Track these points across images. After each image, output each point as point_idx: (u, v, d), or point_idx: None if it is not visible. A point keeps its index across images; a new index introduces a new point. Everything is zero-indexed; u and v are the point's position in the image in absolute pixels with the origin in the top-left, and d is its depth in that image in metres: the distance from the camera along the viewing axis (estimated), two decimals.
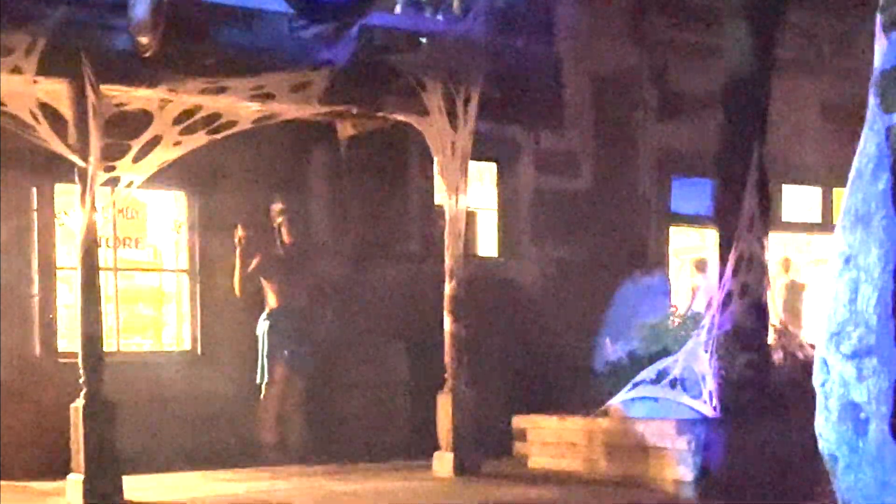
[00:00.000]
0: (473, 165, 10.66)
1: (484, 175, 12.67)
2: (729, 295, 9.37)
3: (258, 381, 10.96)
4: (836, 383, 2.86)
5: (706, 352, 9.28)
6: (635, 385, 9.66)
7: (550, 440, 10.23)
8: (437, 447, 10.09)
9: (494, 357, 11.94)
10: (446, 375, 10.10)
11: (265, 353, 10.97)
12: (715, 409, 9.11)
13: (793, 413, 8.82)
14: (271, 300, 11.11)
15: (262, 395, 10.97)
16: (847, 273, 2.84)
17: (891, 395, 2.76)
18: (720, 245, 9.78)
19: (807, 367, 3.01)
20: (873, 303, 2.79)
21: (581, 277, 12.74)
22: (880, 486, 2.76)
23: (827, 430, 2.87)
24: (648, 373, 9.62)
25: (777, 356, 9.64)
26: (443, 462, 10.01)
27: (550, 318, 12.44)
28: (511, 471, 10.15)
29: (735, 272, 9.38)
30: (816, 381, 2.91)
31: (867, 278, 2.80)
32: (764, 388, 9.30)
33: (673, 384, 9.37)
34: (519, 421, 10.59)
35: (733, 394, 9.10)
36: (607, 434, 9.70)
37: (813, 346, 3.00)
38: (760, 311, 9.57)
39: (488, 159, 12.35)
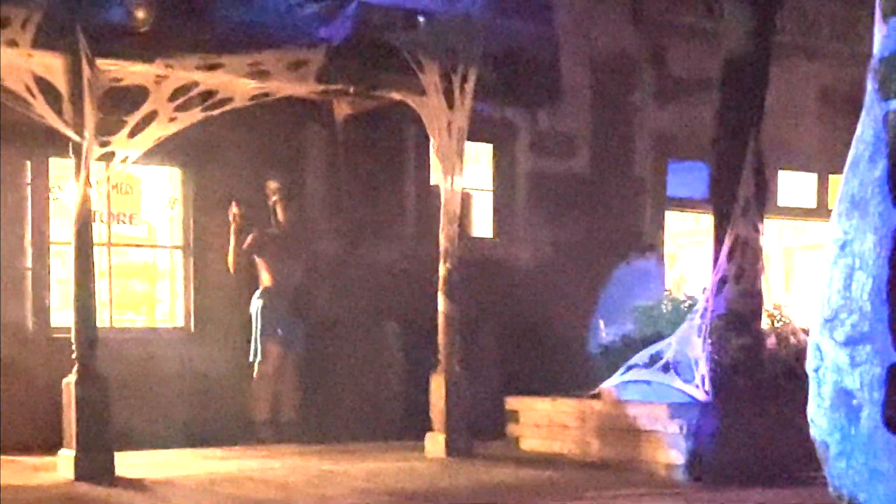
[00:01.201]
0: (470, 146, 10.63)
1: (480, 156, 12.64)
2: (723, 279, 9.37)
3: (251, 359, 10.95)
4: (830, 370, 2.85)
5: (699, 336, 9.28)
6: (628, 368, 9.66)
7: (543, 422, 10.24)
8: (429, 428, 10.10)
9: (488, 338, 11.94)
10: (439, 356, 10.10)
11: (258, 332, 10.96)
12: (707, 393, 9.11)
13: (785, 399, 8.83)
14: (265, 278, 11.10)
15: (254, 374, 10.97)
16: (842, 259, 2.83)
17: (883, 383, 2.75)
18: (715, 229, 9.76)
19: (800, 352, 3.01)
20: (868, 289, 2.77)
21: (576, 260, 12.74)
22: (871, 472, 2.75)
23: (819, 416, 2.86)
24: (641, 356, 9.62)
25: (770, 341, 9.64)
26: (435, 443, 10.02)
27: (544, 299, 12.44)
28: (503, 452, 10.15)
29: (730, 257, 9.38)
30: (810, 367, 2.90)
31: (862, 265, 2.79)
32: (757, 374, 9.30)
33: (666, 368, 9.37)
34: (511, 402, 10.59)
35: (726, 378, 9.10)
36: (600, 417, 9.70)
37: (807, 332, 2.99)
38: (755, 295, 9.57)
39: (485, 140, 12.32)
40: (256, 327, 10.98)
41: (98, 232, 9.88)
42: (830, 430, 2.82)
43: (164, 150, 9.64)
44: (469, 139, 10.21)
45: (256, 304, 11.02)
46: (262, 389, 10.99)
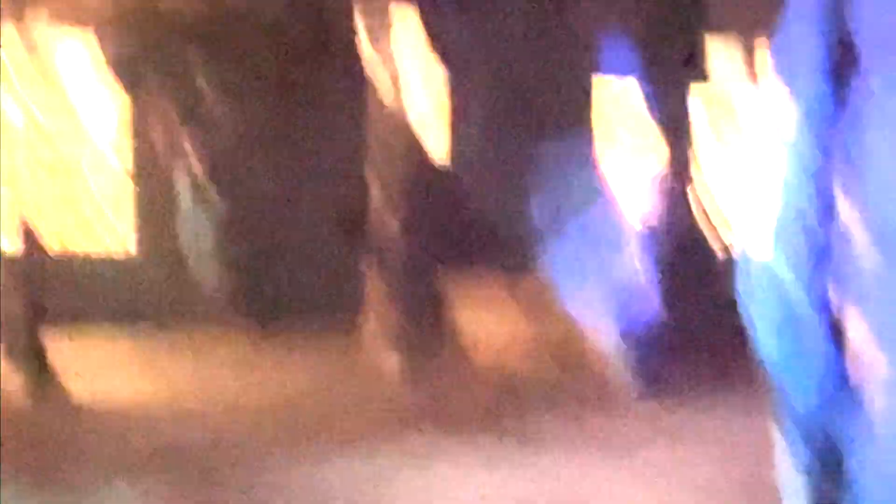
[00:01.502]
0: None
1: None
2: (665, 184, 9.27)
3: None
4: (772, 281, 2.80)
5: (643, 251, 9.21)
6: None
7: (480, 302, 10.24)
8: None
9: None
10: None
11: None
12: (653, 306, 9.09)
13: (732, 314, 8.85)
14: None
15: None
16: (785, 170, 2.75)
17: (824, 292, 2.71)
18: (646, 99, 9.63)
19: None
20: (813, 201, 2.71)
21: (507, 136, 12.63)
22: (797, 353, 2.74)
23: (763, 328, 2.83)
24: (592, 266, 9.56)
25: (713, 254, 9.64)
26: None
27: (479, 189, 12.35)
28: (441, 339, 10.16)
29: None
30: (752, 279, 2.85)
31: (807, 176, 2.71)
32: (706, 289, 9.30)
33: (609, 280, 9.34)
34: (447, 284, 10.57)
35: (673, 294, 9.08)
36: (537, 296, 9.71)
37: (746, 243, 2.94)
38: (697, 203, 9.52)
39: None
40: None
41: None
42: (775, 344, 2.79)
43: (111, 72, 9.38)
44: None
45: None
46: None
